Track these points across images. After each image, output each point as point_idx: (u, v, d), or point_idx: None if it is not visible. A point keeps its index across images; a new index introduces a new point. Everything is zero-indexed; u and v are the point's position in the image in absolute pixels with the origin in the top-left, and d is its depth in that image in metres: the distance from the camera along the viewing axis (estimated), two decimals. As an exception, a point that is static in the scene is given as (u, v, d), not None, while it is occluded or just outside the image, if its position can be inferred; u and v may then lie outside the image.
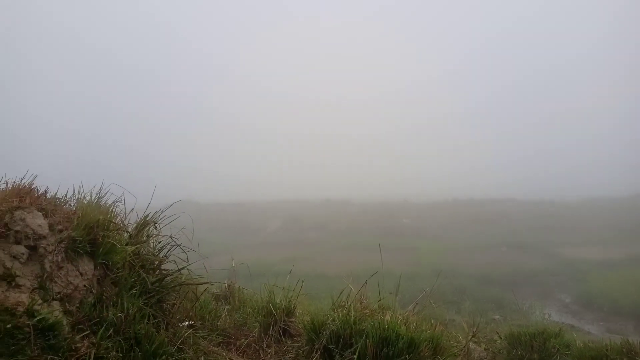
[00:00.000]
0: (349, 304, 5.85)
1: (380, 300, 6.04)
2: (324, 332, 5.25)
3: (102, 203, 5.32)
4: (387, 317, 5.34)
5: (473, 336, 5.82)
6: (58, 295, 3.88)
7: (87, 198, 6.20)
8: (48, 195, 5.08)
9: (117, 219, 5.01)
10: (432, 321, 5.96)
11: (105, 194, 5.75)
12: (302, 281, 6.66)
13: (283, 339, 5.99)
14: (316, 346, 5.20)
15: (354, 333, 5.10)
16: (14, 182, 5.05)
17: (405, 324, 5.33)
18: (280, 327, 6.08)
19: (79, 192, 5.68)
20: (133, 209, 5.20)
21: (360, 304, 5.80)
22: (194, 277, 5.49)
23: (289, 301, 6.42)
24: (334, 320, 5.34)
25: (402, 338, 4.87)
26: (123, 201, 5.36)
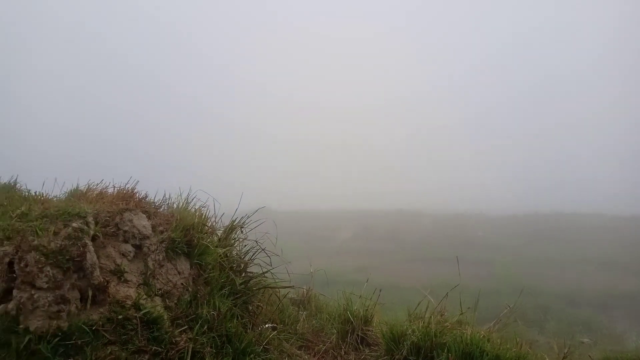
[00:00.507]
0: (428, 316, 5.75)
1: (461, 313, 5.89)
2: (404, 343, 5.20)
3: (190, 207, 5.73)
4: (468, 332, 5.20)
5: (564, 359, 5.47)
6: (159, 292, 4.21)
7: (176, 203, 6.68)
8: (148, 199, 5.56)
9: (209, 223, 5.34)
10: (518, 339, 5.69)
11: (193, 199, 6.19)
12: (380, 290, 6.64)
13: (361, 347, 6.01)
14: (396, 357, 5.16)
15: (435, 346, 5.01)
16: (120, 187, 5.59)
17: (488, 341, 5.15)
18: (358, 335, 6.10)
19: (169, 196, 6.16)
20: (224, 213, 5.50)
21: (441, 316, 5.69)
22: (277, 281, 5.69)
23: (366, 310, 6.42)
24: (413, 331, 5.27)
25: (487, 355, 4.71)
26: (211, 206, 5.71)
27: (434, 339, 5.09)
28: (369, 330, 6.20)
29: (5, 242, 3.48)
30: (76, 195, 6.10)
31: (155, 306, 3.96)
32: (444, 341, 5.02)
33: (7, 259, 3.38)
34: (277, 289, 5.72)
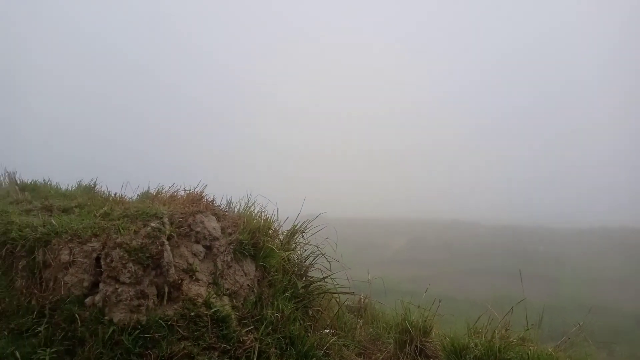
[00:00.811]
0: (490, 330, 5.57)
1: (527, 329, 5.66)
2: (466, 357, 5.07)
3: (252, 211, 5.91)
4: (534, 350, 4.99)
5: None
6: (227, 291, 4.37)
7: (237, 207, 6.91)
8: (215, 203, 5.80)
9: (272, 227, 5.49)
10: (588, 360, 5.40)
11: (253, 203, 6.38)
12: (440, 301, 6.51)
13: (419, 358, 5.91)
14: (458, 370, 5.04)
15: (499, 361, 4.85)
16: (190, 190, 5.88)
17: (556, 360, 4.93)
18: (416, 346, 5.99)
19: (231, 200, 6.39)
20: (288, 217, 5.62)
21: (505, 331, 5.49)
22: (337, 286, 5.72)
23: (425, 320, 6.31)
24: (476, 345, 5.13)
25: (556, 374, 4.51)
26: (269, 211, 5.85)
27: (497, 355, 4.93)
28: (427, 342, 6.08)
29: (92, 239, 3.76)
30: (148, 197, 6.47)
31: (224, 305, 4.11)
32: (509, 357, 4.86)
33: (94, 255, 3.65)
34: (336, 295, 5.75)
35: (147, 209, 4.41)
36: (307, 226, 5.98)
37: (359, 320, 7.31)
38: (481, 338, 5.37)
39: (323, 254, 5.88)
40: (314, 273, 5.78)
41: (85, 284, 3.60)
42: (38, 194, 5.43)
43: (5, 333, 3.31)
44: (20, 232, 3.90)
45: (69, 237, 3.76)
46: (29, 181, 6.12)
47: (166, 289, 3.80)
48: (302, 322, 4.89)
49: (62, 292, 3.52)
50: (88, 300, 3.53)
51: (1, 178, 7.84)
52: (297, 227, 5.88)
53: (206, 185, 5.98)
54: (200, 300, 4.01)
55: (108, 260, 3.56)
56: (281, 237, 5.76)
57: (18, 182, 6.25)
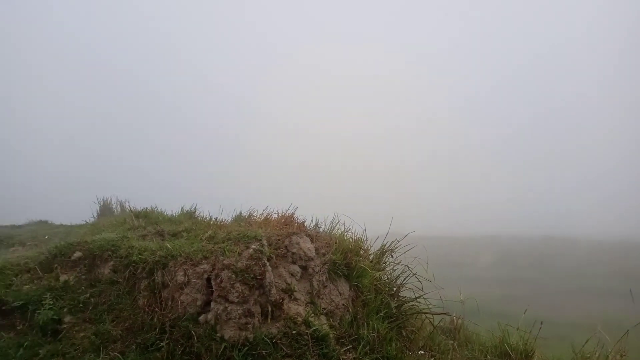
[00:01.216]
0: (602, 356, 5.17)
1: (646, 356, 5.17)
2: (576, 383, 4.75)
3: (336, 231, 6.05)
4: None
5: None
6: (324, 310, 4.51)
7: (322, 227, 7.07)
8: (306, 224, 6.02)
9: (363, 246, 5.58)
10: None
11: (337, 223, 6.51)
12: (541, 323, 6.15)
13: (521, 383, 5.62)
14: (567, 398, 4.73)
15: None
16: (282, 212, 6.16)
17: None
18: (517, 370, 5.71)
19: (317, 221, 6.58)
20: (378, 237, 5.68)
21: (621, 357, 5.07)
22: (430, 306, 5.64)
23: (525, 344, 5.99)
24: (587, 371, 4.79)
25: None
26: (354, 229, 5.93)
27: (613, 383, 4.57)
28: (530, 367, 5.77)
29: (203, 261, 4.10)
30: (242, 220, 6.86)
31: (322, 324, 4.25)
32: (627, 386, 4.48)
33: (205, 276, 3.98)
34: (430, 315, 5.67)
35: (247, 231, 4.71)
36: (396, 245, 5.99)
37: (452, 341, 7.10)
38: (592, 364, 5.00)
39: (414, 274, 5.84)
40: (404, 293, 5.76)
41: (199, 302, 3.92)
42: (149, 220, 6.00)
43: (134, 347, 3.69)
44: (140, 256, 4.35)
45: (183, 260, 4.13)
46: (141, 208, 6.78)
47: (269, 308, 4.01)
48: (397, 343, 4.89)
49: (179, 310, 3.87)
50: (202, 318, 3.84)
51: (114, 206, 8.78)
52: (386, 246, 5.91)
53: (297, 207, 6.23)
54: (299, 319, 4.17)
55: (218, 280, 3.86)
56: (371, 257, 5.82)
57: (132, 208, 6.96)
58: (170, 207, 7.31)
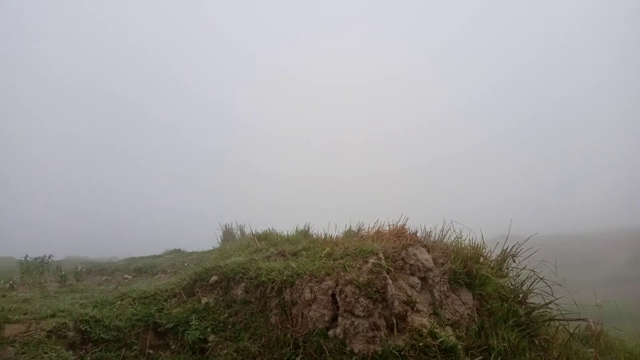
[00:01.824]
0: None
1: None
2: None
3: (449, 239, 5.92)
4: None
5: None
6: (449, 321, 4.45)
7: (433, 236, 6.94)
8: (419, 234, 6.00)
9: (482, 252, 5.41)
10: None
11: (448, 231, 6.35)
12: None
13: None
14: None
15: None
16: (393, 225, 6.21)
17: None
18: (678, 380, 5.09)
19: (428, 230, 6.49)
20: (498, 243, 5.48)
21: None
22: (563, 312, 5.28)
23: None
24: None
25: None
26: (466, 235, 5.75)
27: None
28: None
29: (326, 277, 4.30)
30: (351, 234, 7.02)
31: (449, 335, 4.20)
32: None
33: (330, 292, 4.17)
34: (565, 322, 5.29)
35: (363, 246, 4.84)
36: (518, 250, 5.71)
37: (591, 350, 6.54)
38: None
39: (541, 278, 5.52)
40: (533, 299, 5.45)
41: (326, 318, 4.11)
42: (270, 242, 6.42)
43: (271, 362, 3.99)
44: (268, 276, 4.69)
45: (308, 278, 4.38)
46: (261, 231, 7.27)
47: (394, 321, 4.07)
48: (530, 353, 4.65)
49: (309, 326, 4.10)
50: (330, 332, 4.02)
51: (235, 231, 9.49)
52: (508, 251, 5.66)
53: (408, 218, 6.24)
54: (424, 330, 4.17)
55: (343, 296, 4.02)
56: (492, 263, 5.62)
57: (252, 232, 7.48)
58: (283, 226, 7.75)
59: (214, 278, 4.99)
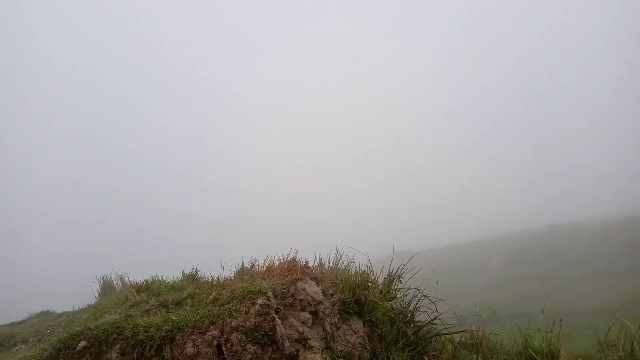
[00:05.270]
0: (628, 342, 5.09)
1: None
2: (609, 377, 4.65)
3: (342, 265, 5.99)
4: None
5: None
6: (341, 353, 4.41)
7: (327, 263, 7.02)
8: (309, 266, 5.96)
9: (370, 278, 5.50)
10: None
11: (341, 256, 6.46)
12: (561, 320, 6.05)
13: (554, 386, 5.47)
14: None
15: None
16: (283, 259, 6.10)
17: None
18: (549, 373, 5.58)
19: (321, 259, 6.53)
20: (383, 267, 5.62)
21: (646, 341, 4.97)
22: (447, 326, 5.54)
23: (549, 344, 5.87)
24: (614, 362, 4.70)
25: None
26: (358, 259, 5.89)
27: (646, 369, 4.48)
28: (559, 366, 5.64)
29: (210, 327, 4.02)
30: (244, 272, 6.77)
31: (342, 368, 4.14)
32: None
33: (215, 342, 3.89)
34: (450, 335, 5.56)
35: (251, 286, 4.64)
36: (403, 270, 5.92)
37: (476, 355, 6.96)
38: (619, 352, 4.92)
39: (425, 296, 5.76)
40: (420, 317, 5.66)
41: (213, 371, 3.81)
42: (151, 292, 5.89)
43: None
44: (146, 334, 4.24)
45: (190, 330, 4.04)
46: (141, 281, 6.67)
47: (285, 363, 3.91)
48: (421, 371, 4.79)
49: (195, 383, 3.76)
50: (217, 386, 3.72)
51: (115, 282, 8.62)
52: (393, 273, 5.84)
53: (298, 250, 6.17)
54: (318, 367, 4.07)
55: (228, 345, 3.77)
56: (380, 287, 5.74)
57: (132, 283, 6.83)
58: (173, 271, 7.22)
59: (82, 344, 4.38)
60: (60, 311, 8.20)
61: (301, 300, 4.58)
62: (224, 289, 4.93)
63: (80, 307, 7.75)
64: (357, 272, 5.35)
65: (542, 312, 6.53)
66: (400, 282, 5.88)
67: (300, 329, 4.39)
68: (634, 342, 5.02)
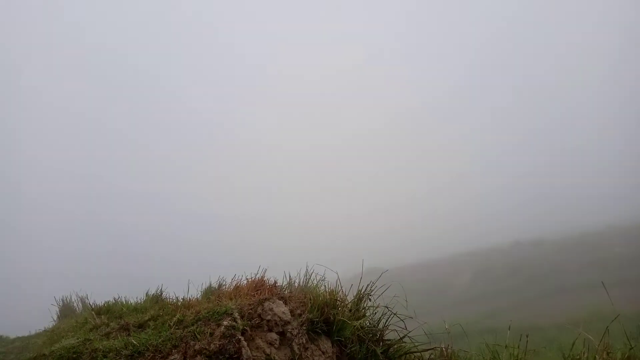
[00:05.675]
0: (590, 356, 5.20)
1: (631, 348, 5.23)
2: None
3: (312, 283, 5.94)
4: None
5: None
6: (310, 375, 4.32)
7: (297, 281, 6.91)
8: (278, 285, 5.87)
9: (339, 297, 5.45)
10: None
11: (311, 274, 6.40)
12: (527, 336, 6.16)
13: (522, 403, 5.52)
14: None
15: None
16: (251, 278, 5.99)
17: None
18: (515, 390, 5.63)
19: (289, 276, 6.45)
20: (352, 285, 5.58)
21: (608, 354, 5.10)
22: (416, 344, 5.54)
23: (517, 359, 5.95)
24: (580, 377, 4.78)
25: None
26: (328, 277, 5.84)
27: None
28: (526, 383, 5.71)
29: (173, 351, 3.86)
30: (211, 292, 6.61)
31: (311, 390, 4.05)
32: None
33: (178, 366, 3.73)
34: (419, 353, 5.55)
35: (217, 307, 4.52)
36: (372, 288, 5.91)
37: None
38: (583, 366, 5.01)
39: (394, 314, 5.75)
40: (389, 335, 5.64)
41: (175, 398, 3.65)
42: (113, 314, 5.66)
43: None
44: (105, 359, 4.04)
45: (151, 354, 3.88)
46: (102, 303, 6.40)
47: (251, 386, 3.80)
48: (390, 390, 4.74)
49: (156, 411, 3.58)
50: (180, 413, 3.57)
51: (75, 304, 8.26)
52: (363, 291, 5.82)
53: (266, 269, 6.08)
54: (285, 390, 3.97)
55: (192, 369, 3.63)
56: (349, 305, 5.70)
57: (92, 305, 6.55)
58: (138, 292, 6.96)
59: (35, 372, 4.15)
60: (14, 336, 7.78)
61: (268, 320, 4.48)
62: (188, 310, 4.77)
63: (36, 331, 7.38)
64: (325, 290, 5.30)
65: (509, 328, 6.62)
66: (370, 300, 5.86)
67: (267, 351, 4.29)
68: (596, 356, 5.14)
